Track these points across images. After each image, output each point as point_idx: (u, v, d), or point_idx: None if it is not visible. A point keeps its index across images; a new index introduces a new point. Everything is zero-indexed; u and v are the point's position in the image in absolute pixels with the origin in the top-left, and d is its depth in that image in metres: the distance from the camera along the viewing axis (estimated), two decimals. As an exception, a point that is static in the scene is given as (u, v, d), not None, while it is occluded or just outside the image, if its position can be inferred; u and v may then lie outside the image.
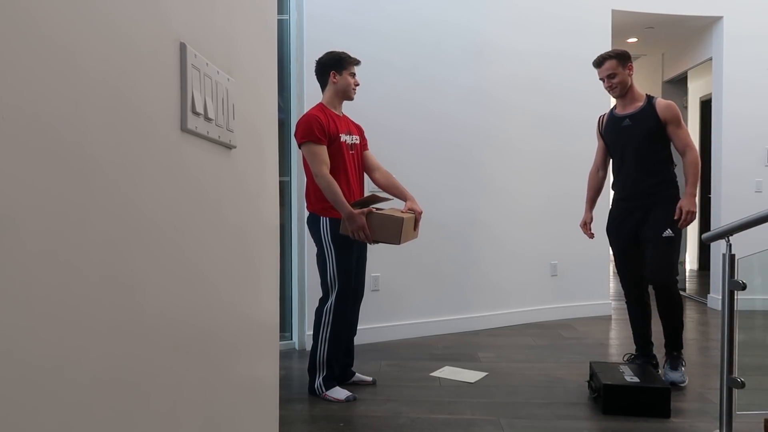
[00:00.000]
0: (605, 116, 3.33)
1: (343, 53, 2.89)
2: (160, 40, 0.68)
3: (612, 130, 3.23)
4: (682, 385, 2.97)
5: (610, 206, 3.31)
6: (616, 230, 3.22)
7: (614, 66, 3.12)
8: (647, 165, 3.09)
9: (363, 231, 2.66)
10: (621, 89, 3.14)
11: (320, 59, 2.90)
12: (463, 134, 4.31)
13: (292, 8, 3.72)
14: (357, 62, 2.90)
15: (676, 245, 3.04)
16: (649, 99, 3.13)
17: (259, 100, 1.04)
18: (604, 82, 3.16)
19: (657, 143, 3.08)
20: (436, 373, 3.21)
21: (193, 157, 0.77)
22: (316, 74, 2.93)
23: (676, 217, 2.97)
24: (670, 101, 3.11)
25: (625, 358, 3.31)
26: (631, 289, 3.20)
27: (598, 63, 3.17)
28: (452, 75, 4.25)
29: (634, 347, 3.27)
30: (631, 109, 3.14)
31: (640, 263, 3.15)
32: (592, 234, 3.38)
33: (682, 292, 6.04)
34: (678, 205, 2.99)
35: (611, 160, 3.32)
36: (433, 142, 4.18)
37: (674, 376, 2.98)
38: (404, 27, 4.05)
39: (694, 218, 2.97)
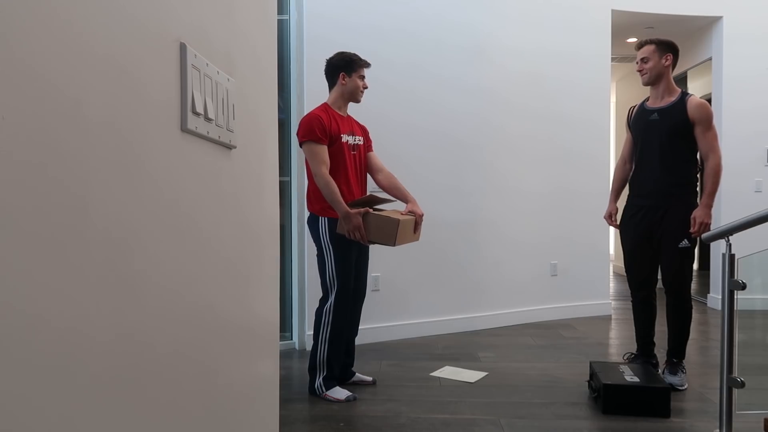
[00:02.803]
0: (635, 108, 3.22)
1: (354, 55, 2.87)
2: (160, 40, 0.68)
3: (639, 124, 3.13)
4: (681, 388, 2.95)
5: (626, 203, 3.22)
6: (629, 229, 3.15)
7: (650, 51, 3.04)
8: (669, 163, 3.00)
9: (358, 231, 2.66)
10: (650, 77, 3.04)
11: (331, 59, 2.89)
12: (464, 133, 4.31)
13: (292, 8, 3.72)
14: (367, 65, 2.89)
15: (691, 255, 3.00)
16: (683, 95, 3.02)
17: (259, 100, 1.04)
18: (638, 65, 3.08)
19: (682, 142, 2.98)
20: (436, 373, 3.21)
21: (193, 158, 0.77)
22: (325, 73, 2.91)
23: (690, 230, 2.93)
24: (704, 101, 2.98)
25: (626, 357, 3.30)
26: (638, 288, 3.16)
27: (639, 45, 3.10)
28: (453, 73, 4.25)
29: (636, 346, 3.25)
30: (661, 104, 3.05)
31: (650, 264, 3.11)
32: (618, 225, 3.28)
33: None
34: (692, 215, 2.92)
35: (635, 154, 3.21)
36: (433, 141, 4.18)
37: (673, 379, 2.96)
38: (405, 25, 4.05)
39: (708, 229, 2.86)
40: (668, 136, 2.99)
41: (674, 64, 3.07)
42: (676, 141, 2.99)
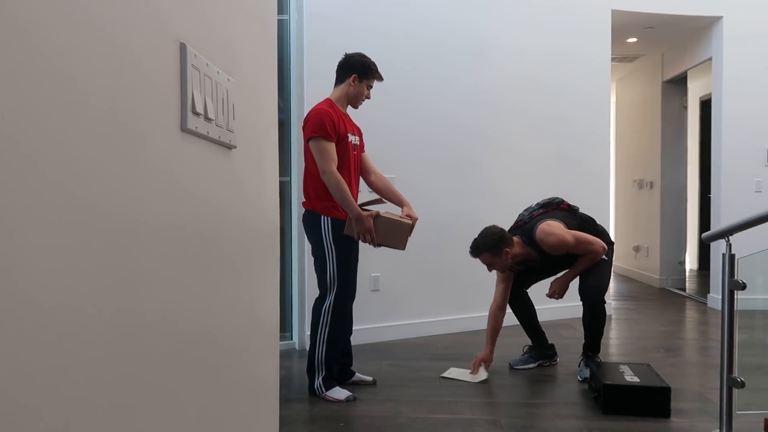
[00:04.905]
0: (514, 269, 3.30)
1: (373, 64, 2.84)
2: (160, 41, 0.68)
3: (534, 277, 3.43)
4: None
5: None
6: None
7: (488, 259, 3.09)
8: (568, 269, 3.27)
9: (369, 233, 2.65)
10: (505, 269, 3.20)
11: (351, 56, 2.85)
12: (463, 135, 4.30)
13: (292, 8, 3.72)
14: (380, 79, 2.87)
15: (608, 267, 3.17)
16: (533, 245, 3.11)
17: (259, 100, 1.04)
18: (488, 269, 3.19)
19: (565, 261, 3.20)
20: (442, 374, 3.20)
21: (193, 157, 0.77)
22: (338, 66, 2.86)
23: (551, 293, 3.23)
24: (547, 239, 3.04)
25: (525, 349, 3.45)
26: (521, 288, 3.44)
27: (474, 254, 3.12)
28: (452, 75, 4.25)
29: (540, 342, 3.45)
30: (532, 262, 3.25)
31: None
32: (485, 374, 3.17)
33: (681, 292, 6.06)
34: (553, 283, 3.22)
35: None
36: (433, 142, 4.18)
37: (587, 373, 3.04)
38: (404, 27, 4.05)
39: (564, 294, 3.22)
40: (561, 268, 3.28)
41: (509, 243, 3.10)
42: (561, 262, 3.24)
